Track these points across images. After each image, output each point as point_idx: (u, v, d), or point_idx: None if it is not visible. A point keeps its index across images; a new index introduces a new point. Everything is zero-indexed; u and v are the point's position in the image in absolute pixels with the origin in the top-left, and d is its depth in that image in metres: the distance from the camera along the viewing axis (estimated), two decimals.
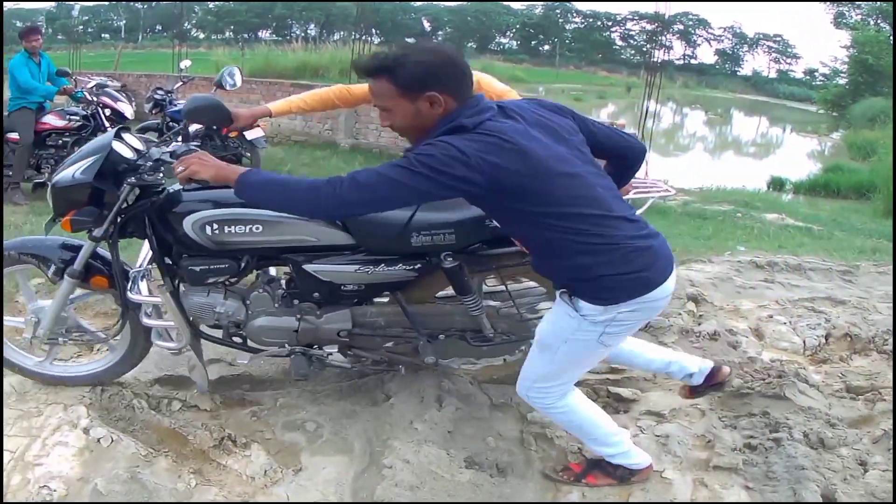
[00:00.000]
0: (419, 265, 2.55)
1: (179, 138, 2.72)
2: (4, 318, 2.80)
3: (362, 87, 2.91)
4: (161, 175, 2.43)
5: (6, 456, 2.41)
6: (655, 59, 13.19)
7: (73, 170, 2.40)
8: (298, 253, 2.54)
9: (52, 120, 6.84)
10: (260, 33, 72.21)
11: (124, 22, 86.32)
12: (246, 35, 66.09)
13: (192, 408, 2.79)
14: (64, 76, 7.10)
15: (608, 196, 2.04)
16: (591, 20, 74.72)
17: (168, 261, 2.56)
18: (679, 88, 40.76)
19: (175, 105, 9.19)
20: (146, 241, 2.57)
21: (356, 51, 13.03)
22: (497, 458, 2.57)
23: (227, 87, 2.89)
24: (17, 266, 2.70)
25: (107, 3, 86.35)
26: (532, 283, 2.82)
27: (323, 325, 2.63)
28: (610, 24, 74.48)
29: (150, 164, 2.42)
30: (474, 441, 2.63)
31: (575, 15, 75.64)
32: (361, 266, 2.53)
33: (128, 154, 2.45)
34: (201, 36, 68.13)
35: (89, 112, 6.96)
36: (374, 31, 18.14)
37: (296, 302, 2.63)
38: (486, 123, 1.94)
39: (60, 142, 6.80)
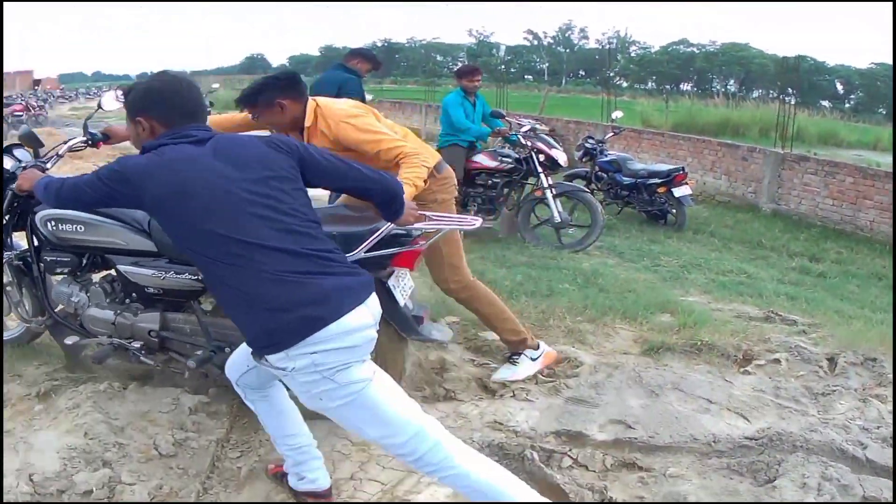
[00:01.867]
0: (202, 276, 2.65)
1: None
2: None
3: (230, 116, 3.39)
4: None
5: (376, 487, 2.58)
6: None
7: None
8: (121, 255, 2.90)
9: (483, 160, 6.85)
10: (681, 85, 73.05)
11: (547, 65, 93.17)
12: (668, 86, 67.25)
13: (581, 466, 2.78)
14: (498, 118, 7.07)
15: (265, 226, 1.97)
16: None
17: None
18: None
19: (606, 155, 9.08)
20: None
21: (777, 110, 12.23)
22: None
23: (105, 108, 3.24)
24: None
25: (529, 44, 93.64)
26: None
27: (137, 322, 2.89)
28: None
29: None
30: None
31: None
32: (156, 271, 2.81)
33: (8, 165, 3.06)
34: (624, 84, 70.57)
35: (522, 156, 6.84)
36: (791, 90, 17.03)
37: (128, 300, 2.93)
38: (159, 148, 2.04)
39: (490, 182, 6.85)
